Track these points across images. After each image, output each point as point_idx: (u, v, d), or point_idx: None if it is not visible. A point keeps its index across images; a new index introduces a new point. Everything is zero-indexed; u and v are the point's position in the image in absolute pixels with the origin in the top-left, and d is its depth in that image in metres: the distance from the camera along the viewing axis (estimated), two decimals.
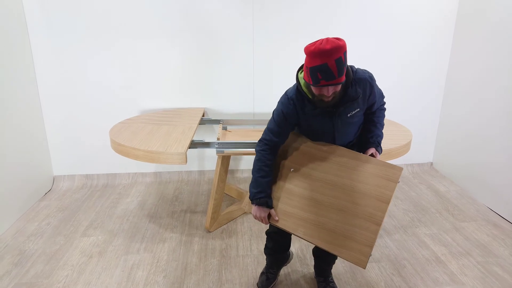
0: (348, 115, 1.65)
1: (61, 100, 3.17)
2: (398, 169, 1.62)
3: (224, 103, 3.36)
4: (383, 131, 1.80)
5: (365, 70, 1.66)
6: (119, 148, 2.31)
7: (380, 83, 3.44)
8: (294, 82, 3.35)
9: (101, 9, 2.98)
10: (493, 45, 2.90)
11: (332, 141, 1.74)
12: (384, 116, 1.81)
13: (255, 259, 2.29)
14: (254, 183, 1.70)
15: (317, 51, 1.37)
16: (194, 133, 2.51)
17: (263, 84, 3.34)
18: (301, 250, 2.38)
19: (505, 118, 2.81)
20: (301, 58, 3.28)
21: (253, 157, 3.55)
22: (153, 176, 3.46)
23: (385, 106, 1.83)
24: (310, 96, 1.58)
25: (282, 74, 3.33)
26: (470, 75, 3.18)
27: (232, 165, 3.59)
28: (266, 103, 3.40)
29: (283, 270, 2.19)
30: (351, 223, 1.57)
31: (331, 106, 1.59)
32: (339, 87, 1.50)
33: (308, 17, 3.19)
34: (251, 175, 3.57)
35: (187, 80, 3.26)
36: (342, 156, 1.70)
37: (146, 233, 2.58)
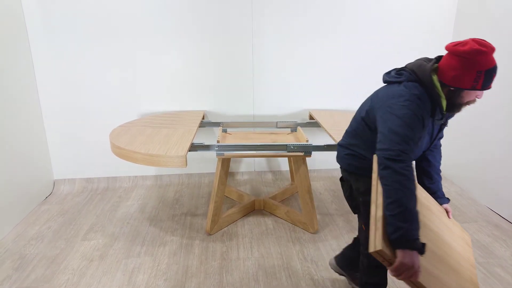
0: (443, 127, 1.59)
1: (61, 104, 3.17)
2: (467, 234, 1.64)
3: (224, 106, 3.37)
4: None
5: None
6: (119, 152, 2.31)
7: (380, 85, 3.45)
8: (293, 83, 3.36)
9: (100, 12, 2.99)
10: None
11: (420, 155, 1.61)
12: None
13: (256, 262, 2.29)
14: (410, 216, 1.21)
15: (491, 50, 1.32)
16: (194, 136, 2.51)
17: (262, 87, 3.35)
18: (301, 252, 2.37)
19: (505, 118, 2.81)
20: (300, 60, 3.29)
21: (252, 160, 3.55)
22: (153, 179, 3.46)
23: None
24: (443, 105, 1.44)
25: (281, 76, 3.33)
26: None
27: (232, 167, 3.59)
28: (266, 106, 3.41)
29: (282, 273, 2.19)
30: (459, 284, 1.42)
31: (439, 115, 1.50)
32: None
33: (308, 19, 3.20)
34: (251, 178, 3.59)
35: (187, 83, 3.27)
36: (437, 209, 1.55)
37: (146, 236, 2.58)
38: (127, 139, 2.42)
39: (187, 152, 2.18)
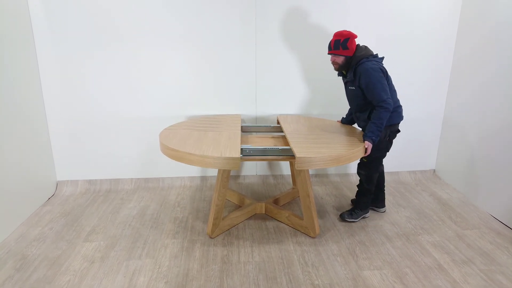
0: (349, 88, 2.57)
1: (64, 106, 3.20)
2: None
3: (227, 110, 3.38)
4: (378, 124, 2.39)
5: (376, 65, 2.33)
6: (173, 153, 2.34)
7: None
8: (298, 89, 3.37)
9: (106, 17, 3.02)
10: (497, 52, 2.91)
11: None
12: (377, 114, 2.38)
13: (257, 266, 2.29)
14: None
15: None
16: (240, 140, 2.65)
17: (265, 91, 3.36)
18: (302, 257, 2.37)
19: (508, 125, 2.80)
20: (303, 63, 3.30)
21: (254, 163, 3.55)
22: (155, 181, 3.48)
23: (384, 106, 2.35)
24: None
25: (284, 80, 3.35)
26: (473, 81, 3.18)
27: (234, 171, 3.60)
28: (269, 109, 3.42)
29: (282, 278, 2.19)
30: None
31: (341, 75, 2.63)
32: (334, 58, 2.49)
33: (310, 22, 3.21)
34: (253, 181, 3.60)
35: (191, 87, 3.28)
36: None
37: (148, 238, 2.58)
38: (177, 141, 2.47)
39: (240, 155, 2.23)
